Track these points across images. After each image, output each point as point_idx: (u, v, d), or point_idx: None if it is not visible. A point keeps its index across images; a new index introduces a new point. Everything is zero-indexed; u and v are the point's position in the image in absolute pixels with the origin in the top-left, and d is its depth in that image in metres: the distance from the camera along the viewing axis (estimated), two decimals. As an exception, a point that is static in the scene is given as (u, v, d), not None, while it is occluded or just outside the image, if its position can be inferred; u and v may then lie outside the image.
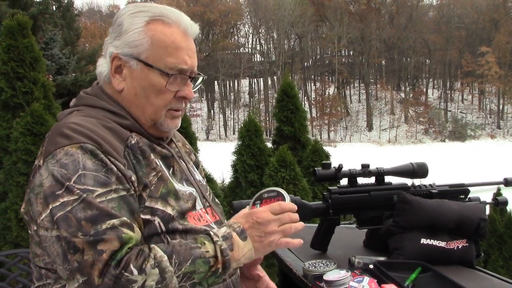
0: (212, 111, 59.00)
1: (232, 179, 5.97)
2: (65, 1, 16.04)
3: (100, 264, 1.11)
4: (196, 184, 1.48)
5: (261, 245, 1.28)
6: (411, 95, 58.78)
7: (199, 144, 5.85)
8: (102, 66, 1.39)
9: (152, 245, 1.19)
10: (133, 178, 1.26)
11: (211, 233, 1.26)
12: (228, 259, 1.23)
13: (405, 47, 57.86)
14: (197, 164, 1.66)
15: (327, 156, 5.72)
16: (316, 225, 1.98)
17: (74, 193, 1.14)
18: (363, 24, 57.14)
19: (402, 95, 59.25)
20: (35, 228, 1.22)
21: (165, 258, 1.16)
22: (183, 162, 1.50)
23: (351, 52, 63.50)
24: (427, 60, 62.92)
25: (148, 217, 1.27)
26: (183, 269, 1.17)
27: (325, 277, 1.54)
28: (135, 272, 1.11)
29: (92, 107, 1.36)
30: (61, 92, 7.89)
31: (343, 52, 63.60)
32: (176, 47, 1.34)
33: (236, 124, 55.54)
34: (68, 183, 1.15)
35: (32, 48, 4.72)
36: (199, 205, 1.44)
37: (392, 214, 1.86)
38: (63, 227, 1.13)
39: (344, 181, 1.95)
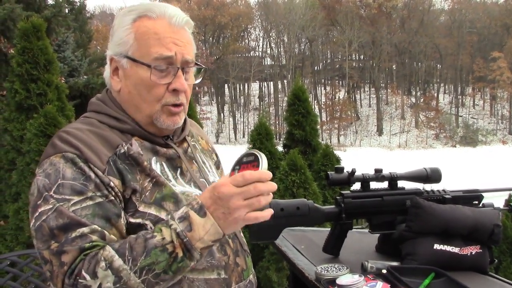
0: (222, 114, 59.08)
1: (243, 182, 5.96)
2: (78, 4, 16.17)
3: (61, 275, 1.15)
4: (206, 186, 1.46)
5: (226, 222, 1.16)
6: (422, 100, 58.49)
7: (210, 147, 5.84)
8: (106, 70, 1.42)
9: (105, 246, 1.17)
10: (113, 183, 1.26)
11: (168, 218, 1.20)
12: (188, 240, 1.14)
13: (416, 52, 57.63)
14: (217, 165, 1.66)
15: (337, 160, 5.70)
16: (328, 229, 1.98)
17: (49, 203, 1.19)
18: (374, 28, 56.98)
19: (413, 99, 58.99)
20: None
21: (116, 257, 1.13)
22: (195, 162, 1.49)
23: (362, 56, 63.38)
24: (438, 65, 62.59)
25: (139, 220, 1.28)
26: (139, 264, 1.13)
27: (338, 281, 1.54)
28: (88, 277, 1.13)
29: (97, 113, 1.39)
30: (73, 94, 7.93)
31: (354, 56, 63.47)
32: (159, 37, 1.32)
33: (246, 127, 55.54)
34: (46, 193, 1.20)
35: (46, 50, 4.76)
36: None
37: (405, 219, 1.85)
38: (38, 237, 1.18)
39: (356, 186, 1.95)
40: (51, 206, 1.18)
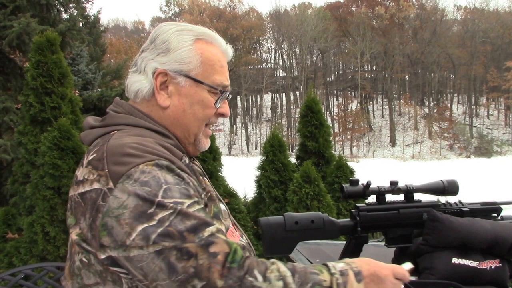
0: (234, 126, 59.23)
1: (256, 194, 5.96)
2: (92, 18, 16.38)
3: (217, 266, 1.10)
4: (220, 199, 1.49)
5: None
6: (435, 110, 58.16)
7: (222, 159, 5.86)
8: (141, 82, 1.35)
9: (273, 259, 1.21)
10: (201, 192, 1.29)
11: (329, 265, 1.27)
12: None
13: (429, 62, 57.40)
14: None
15: (351, 172, 5.67)
16: (343, 242, 1.95)
17: (167, 208, 1.12)
18: (386, 39, 56.93)
19: (426, 110, 58.67)
20: (109, 254, 1.16)
21: (289, 273, 1.17)
22: (206, 179, 1.50)
23: (374, 67, 63.27)
24: (451, 75, 62.26)
25: None
26: None
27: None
28: (260, 278, 1.13)
29: (132, 126, 1.32)
30: (87, 107, 8.01)
31: (366, 67, 63.43)
32: (221, 65, 1.40)
33: (259, 139, 55.61)
34: (157, 199, 1.12)
35: (61, 64, 4.81)
36: (229, 221, 1.46)
37: (422, 232, 1.82)
38: (167, 241, 1.10)
39: (371, 198, 1.92)
40: (171, 211, 1.12)
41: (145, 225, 1.10)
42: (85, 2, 9.44)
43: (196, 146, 1.41)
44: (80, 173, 1.24)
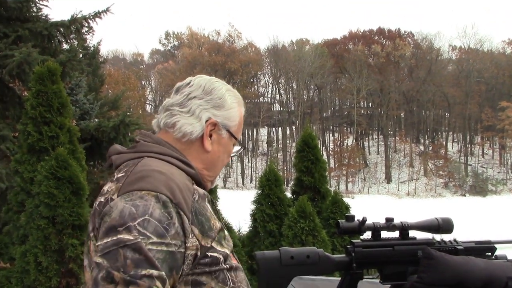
0: (230, 159, 59.20)
1: (251, 228, 5.94)
2: (92, 49, 16.58)
3: None
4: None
5: None
6: (431, 148, 58.45)
7: (217, 191, 5.86)
8: (193, 126, 1.53)
9: None
10: (194, 233, 1.33)
11: None
12: None
13: (424, 100, 58.03)
14: None
15: (347, 208, 5.67)
16: (338, 278, 1.95)
17: (131, 234, 1.22)
18: (382, 77, 57.65)
19: (421, 147, 58.94)
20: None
21: None
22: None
23: (370, 104, 63.88)
24: (446, 114, 62.88)
25: (215, 254, 1.37)
26: None
27: (349, 333, 1.50)
28: None
29: (163, 155, 1.48)
30: (84, 137, 8.02)
31: (362, 103, 64.00)
32: (242, 124, 1.67)
33: (254, 172, 55.55)
34: (130, 223, 1.23)
35: (61, 94, 4.86)
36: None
37: (416, 269, 1.82)
38: (111, 259, 1.19)
39: (366, 234, 1.92)
40: (132, 238, 1.21)
41: (110, 238, 1.22)
42: (85, 33, 9.57)
43: (212, 183, 1.63)
44: (107, 186, 1.39)
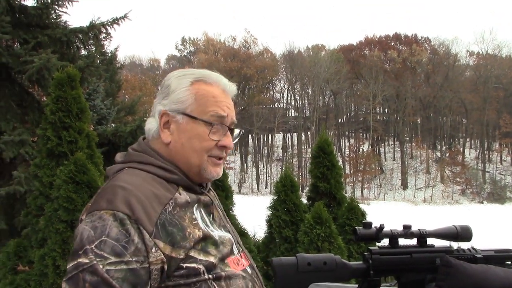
0: (245, 164, 59.28)
1: (266, 234, 5.93)
2: (109, 55, 16.75)
3: None
4: (232, 230, 1.55)
5: None
6: (447, 154, 57.89)
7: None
8: (151, 123, 1.52)
9: None
10: (158, 247, 1.30)
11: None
12: None
13: (441, 106, 57.53)
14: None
15: (363, 214, 5.64)
16: (355, 286, 1.94)
17: (88, 257, 1.24)
18: (399, 82, 57.31)
19: (438, 154, 58.41)
20: None
21: None
22: (219, 209, 1.57)
23: (386, 110, 63.48)
24: (463, 120, 62.25)
25: (193, 265, 1.33)
26: None
27: None
28: None
29: (142, 163, 1.46)
30: (101, 141, 8.09)
31: (378, 109, 63.68)
32: (216, 100, 1.50)
33: (269, 178, 55.50)
34: (88, 246, 1.25)
35: (80, 99, 4.92)
36: (235, 250, 1.49)
37: (435, 277, 1.81)
38: (73, 284, 1.24)
39: (383, 242, 1.92)
40: (88, 261, 1.23)
41: (71, 263, 1.26)
42: (103, 39, 9.68)
43: (202, 175, 1.49)
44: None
